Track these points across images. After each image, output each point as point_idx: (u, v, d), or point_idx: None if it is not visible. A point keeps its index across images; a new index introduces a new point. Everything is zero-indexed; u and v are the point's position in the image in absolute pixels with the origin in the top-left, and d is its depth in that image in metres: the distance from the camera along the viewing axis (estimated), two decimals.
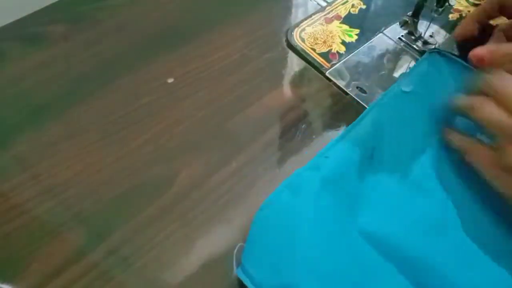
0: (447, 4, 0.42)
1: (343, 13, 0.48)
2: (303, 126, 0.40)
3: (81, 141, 0.38)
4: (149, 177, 0.36)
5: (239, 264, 0.32)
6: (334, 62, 0.44)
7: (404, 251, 0.32)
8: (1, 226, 0.33)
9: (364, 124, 0.37)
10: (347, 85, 0.43)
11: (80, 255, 0.32)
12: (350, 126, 0.38)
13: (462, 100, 0.35)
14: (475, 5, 0.49)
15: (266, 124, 0.40)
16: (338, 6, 0.49)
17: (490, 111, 0.33)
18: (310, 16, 0.48)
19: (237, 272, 0.32)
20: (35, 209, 0.34)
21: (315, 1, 0.50)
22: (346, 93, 0.42)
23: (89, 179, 0.36)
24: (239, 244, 0.33)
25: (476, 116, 0.34)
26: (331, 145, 0.36)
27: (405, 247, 0.32)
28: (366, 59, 0.45)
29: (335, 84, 0.43)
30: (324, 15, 0.48)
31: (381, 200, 0.34)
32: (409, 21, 0.46)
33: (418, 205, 0.34)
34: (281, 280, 0.30)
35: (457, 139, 0.36)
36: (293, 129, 0.40)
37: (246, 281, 0.31)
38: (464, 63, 0.38)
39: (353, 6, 0.49)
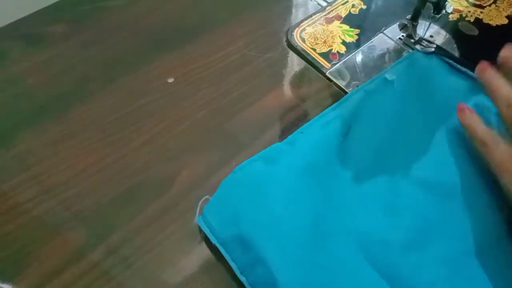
0: (443, 11, 0.42)
1: (343, 13, 0.48)
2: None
3: (81, 141, 0.38)
4: (149, 177, 0.36)
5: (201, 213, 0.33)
6: (334, 62, 0.44)
7: (362, 226, 0.32)
8: (2, 226, 0.33)
9: (344, 106, 0.39)
10: (348, 85, 0.42)
11: (80, 255, 0.32)
12: (330, 107, 0.39)
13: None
14: (475, 5, 0.49)
15: (266, 124, 0.40)
16: (339, 6, 0.49)
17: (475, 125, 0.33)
18: (311, 16, 0.48)
19: (197, 220, 0.33)
20: (35, 209, 0.34)
21: (316, 1, 0.50)
22: (347, 93, 0.42)
23: (89, 179, 0.36)
24: (205, 197, 0.34)
25: (504, 115, 0.33)
26: (309, 124, 0.38)
27: (362, 221, 0.33)
28: (366, 59, 0.45)
29: (335, 84, 0.43)
30: (325, 15, 0.48)
31: (350, 173, 0.35)
32: (408, 25, 0.46)
33: (383, 182, 0.35)
34: (239, 232, 0.31)
35: (478, 131, 0.34)
36: (293, 129, 0.39)
37: (205, 229, 0.32)
38: (443, 60, 0.41)
39: (353, 6, 0.49)
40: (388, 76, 0.41)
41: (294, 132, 0.37)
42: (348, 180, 0.35)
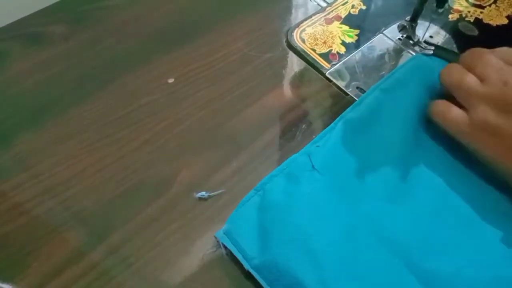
0: (446, 6, 0.42)
1: (343, 14, 0.48)
2: (303, 126, 0.40)
3: (81, 141, 0.38)
4: (149, 177, 0.36)
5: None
6: (334, 62, 0.44)
7: (395, 233, 0.32)
8: (1, 226, 0.33)
9: (356, 111, 0.38)
10: (347, 86, 0.43)
11: (80, 255, 0.32)
12: (339, 116, 0.38)
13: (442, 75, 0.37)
14: (475, 5, 0.50)
15: (266, 124, 0.40)
16: (338, 6, 0.49)
17: (459, 76, 0.34)
18: (310, 16, 0.48)
19: (221, 239, 0.32)
20: (35, 209, 0.34)
21: (315, 2, 0.51)
22: (346, 94, 0.42)
23: (89, 179, 0.36)
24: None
25: (445, 81, 0.35)
26: (323, 134, 0.37)
27: (395, 228, 0.32)
28: (366, 60, 0.45)
29: (335, 84, 0.43)
30: (324, 15, 0.48)
31: (374, 181, 0.35)
32: (407, 26, 0.46)
33: (409, 189, 0.35)
34: (270, 256, 0.30)
35: (435, 105, 0.36)
36: (293, 129, 0.40)
37: (237, 254, 0.31)
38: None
39: (353, 6, 0.49)
40: (391, 83, 0.40)
41: (310, 143, 0.36)
42: (373, 188, 0.34)
